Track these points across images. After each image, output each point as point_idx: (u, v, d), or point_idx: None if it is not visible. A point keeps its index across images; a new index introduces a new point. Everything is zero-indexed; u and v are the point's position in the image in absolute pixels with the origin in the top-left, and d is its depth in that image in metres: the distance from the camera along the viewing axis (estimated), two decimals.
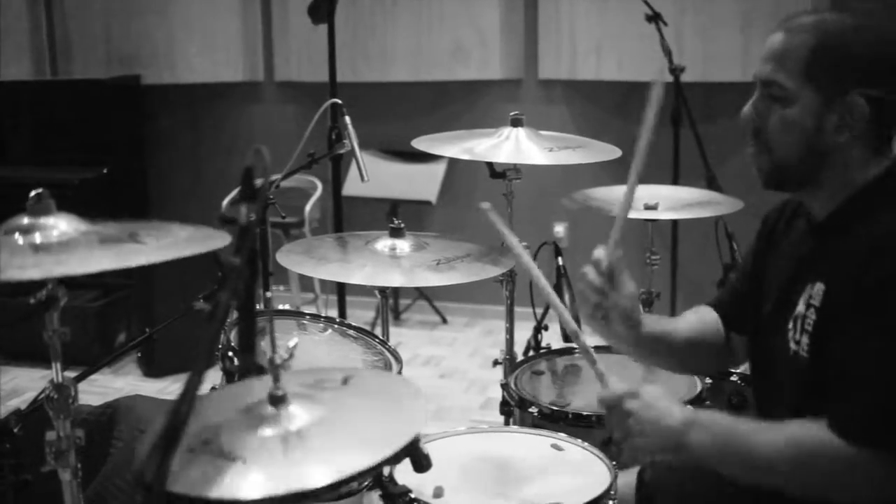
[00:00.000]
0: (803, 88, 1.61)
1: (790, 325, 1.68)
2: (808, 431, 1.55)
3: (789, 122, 1.63)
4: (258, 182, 1.24)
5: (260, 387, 1.38)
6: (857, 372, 1.53)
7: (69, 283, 1.45)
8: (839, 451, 1.51)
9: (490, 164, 2.62)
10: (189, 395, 0.99)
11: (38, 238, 1.45)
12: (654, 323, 1.92)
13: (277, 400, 1.36)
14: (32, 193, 1.47)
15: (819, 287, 1.62)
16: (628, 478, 2.01)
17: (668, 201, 2.87)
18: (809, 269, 1.68)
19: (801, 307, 1.66)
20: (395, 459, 1.29)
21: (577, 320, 2.44)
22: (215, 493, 1.17)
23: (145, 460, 1.00)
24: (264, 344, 1.38)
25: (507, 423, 2.51)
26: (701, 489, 1.95)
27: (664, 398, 1.67)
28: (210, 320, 1.07)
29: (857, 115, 1.59)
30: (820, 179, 1.66)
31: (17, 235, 1.46)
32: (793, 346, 1.67)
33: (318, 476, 1.21)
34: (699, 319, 2.02)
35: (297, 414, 1.35)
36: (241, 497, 1.17)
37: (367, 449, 1.29)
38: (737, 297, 1.97)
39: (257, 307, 1.29)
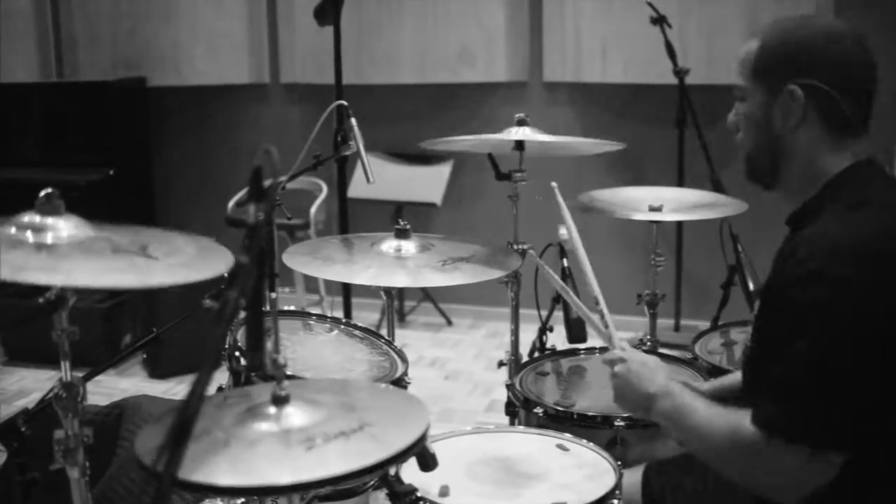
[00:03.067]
0: (753, 86, 1.76)
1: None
2: (738, 419, 1.64)
3: (744, 115, 1.80)
4: (266, 182, 1.25)
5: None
6: (770, 368, 1.62)
7: None
8: (757, 442, 1.59)
9: (496, 166, 2.62)
10: (198, 390, 0.99)
11: (47, 239, 1.46)
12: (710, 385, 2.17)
13: (280, 400, 1.37)
14: (42, 193, 1.48)
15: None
16: (634, 477, 2.03)
17: (673, 203, 2.88)
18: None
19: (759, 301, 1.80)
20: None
21: (581, 320, 2.46)
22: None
23: (155, 455, 1.01)
24: (270, 345, 1.39)
25: (512, 423, 2.51)
26: (707, 489, 1.96)
27: (654, 367, 1.88)
28: (218, 318, 1.08)
29: (796, 103, 1.70)
30: (784, 169, 1.77)
31: (28, 233, 1.46)
32: (748, 335, 1.84)
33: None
34: None
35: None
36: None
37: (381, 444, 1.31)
38: None
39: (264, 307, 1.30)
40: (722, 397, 2.03)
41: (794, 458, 1.56)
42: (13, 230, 1.46)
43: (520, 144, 2.64)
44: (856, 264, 1.56)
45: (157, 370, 4.62)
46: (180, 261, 1.49)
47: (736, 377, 2.14)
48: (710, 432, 1.68)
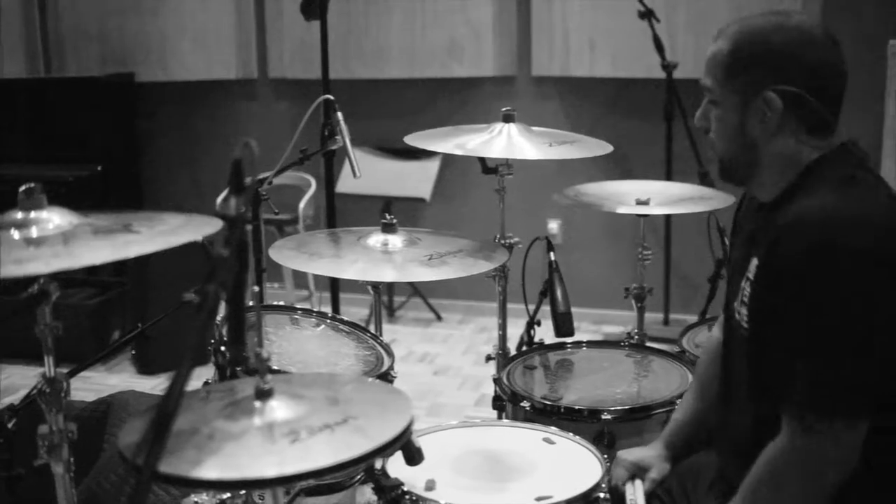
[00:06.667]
0: (725, 90, 1.73)
1: (738, 300, 1.78)
2: (769, 456, 1.63)
3: (719, 121, 1.77)
4: (249, 178, 1.24)
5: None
6: (798, 354, 1.59)
7: (63, 280, 1.45)
8: (801, 442, 1.58)
9: (482, 160, 2.62)
10: (179, 381, 0.99)
11: (32, 232, 1.46)
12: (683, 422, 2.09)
13: (264, 394, 1.36)
14: (23, 188, 1.48)
15: (754, 262, 1.72)
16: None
17: (661, 196, 2.88)
18: (751, 246, 1.78)
19: (744, 282, 1.76)
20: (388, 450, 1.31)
21: (568, 314, 2.47)
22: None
23: (136, 448, 1.01)
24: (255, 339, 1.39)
25: (499, 417, 2.52)
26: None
27: None
28: (198, 311, 1.07)
29: (773, 110, 1.69)
30: (760, 170, 1.76)
31: (11, 231, 1.46)
32: (737, 316, 1.78)
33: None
34: (707, 351, 2.13)
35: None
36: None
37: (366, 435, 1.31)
38: None
39: (247, 301, 1.30)
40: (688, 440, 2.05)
41: (849, 433, 1.56)
42: None
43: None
44: (873, 236, 1.56)
45: (146, 366, 4.61)
46: (162, 230, 1.48)
47: (684, 413, 2.11)
48: (764, 484, 1.65)
